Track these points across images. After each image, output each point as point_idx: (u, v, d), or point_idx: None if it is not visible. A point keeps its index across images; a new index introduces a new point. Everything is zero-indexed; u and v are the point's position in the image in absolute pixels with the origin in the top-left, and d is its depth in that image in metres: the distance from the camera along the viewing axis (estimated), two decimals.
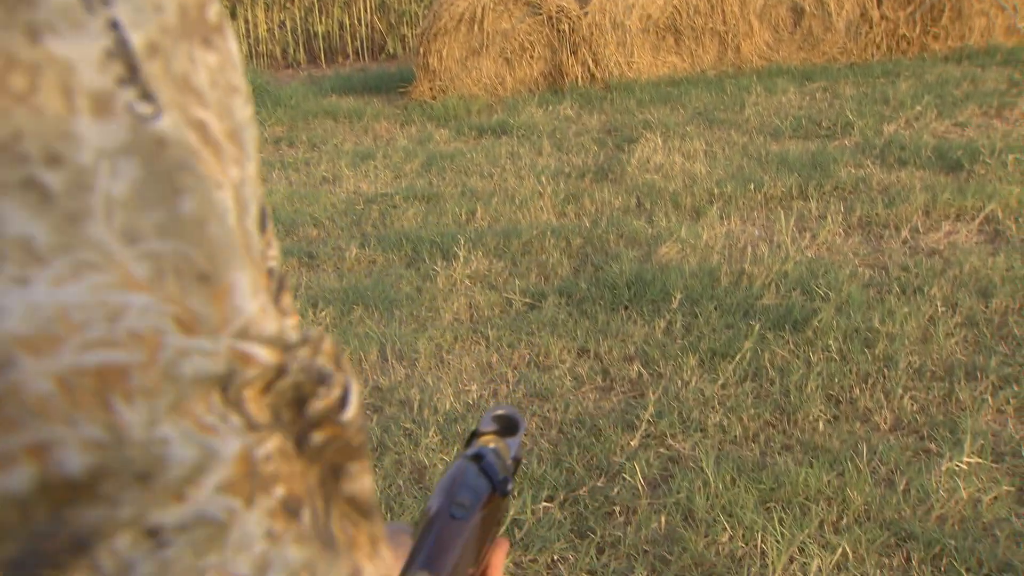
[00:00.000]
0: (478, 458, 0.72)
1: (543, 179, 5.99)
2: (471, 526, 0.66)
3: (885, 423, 3.13)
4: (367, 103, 9.16)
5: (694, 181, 5.71)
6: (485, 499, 0.69)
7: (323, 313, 4.20)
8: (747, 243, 4.72)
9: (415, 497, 2.87)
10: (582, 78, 9.05)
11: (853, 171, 5.69)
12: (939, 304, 3.87)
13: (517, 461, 0.79)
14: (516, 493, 2.84)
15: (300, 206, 5.87)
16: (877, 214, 4.96)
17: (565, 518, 2.72)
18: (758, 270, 4.26)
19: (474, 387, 3.51)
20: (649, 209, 5.32)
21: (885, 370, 3.41)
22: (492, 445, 0.74)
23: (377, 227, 5.42)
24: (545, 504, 2.78)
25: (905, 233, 4.70)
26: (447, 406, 3.38)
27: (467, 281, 4.49)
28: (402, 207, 5.71)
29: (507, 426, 0.79)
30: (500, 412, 0.80)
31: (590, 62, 9.04)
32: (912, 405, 3.21)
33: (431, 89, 9.14)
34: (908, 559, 2.51)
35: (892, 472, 2.87)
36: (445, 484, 0.69)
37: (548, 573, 2.53)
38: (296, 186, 6.46)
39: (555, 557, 2.58)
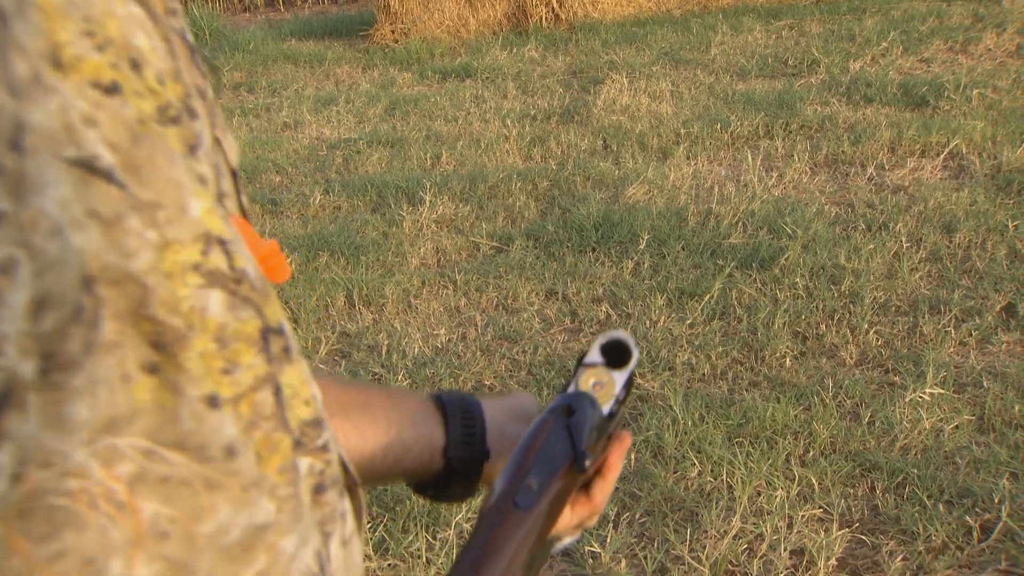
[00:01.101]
0: (569, 411, 0.65)
1: (508, 122, 5.97)
2: (536, 515, 0.59)
3: (851, 358, 3.19)
4: (328, 47, 9.05)
5: (660, 122, 5.72)
6: (562, 471, 0.62)
7: (288, 260, 4.18)
8: (714, 183, 4.75)
9: None
10: (546, 19, 8.98)
11: (819, 109, 5.72)
12: (904, 240, 3.93)
13: (628, 391, 0.71)
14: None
15: (262, 152, 5.83)
16: (843, 152, 5.00)
17: None
18: (725, 210, 4.30)
19: (442, 331, 3.54)
20: (616, 151, 5.32)
21: (851, 306, 3.47)
22: (593, 383, 0.69)
23: (341, 173, 5.40)
24: None
25: (871, 170, 4.75)
26: (415, 350, 3.41)
27: (433, 226, 4.49)
28: (366, 152, 5.67)
29: (617, 355, 0.71)
30: (610, 339, 0.71)
31: (554, 3, 8.97)
32: (877, 340, 3.27)
33: (393, 32, 9.04)
34: (872, 488, 2.58)
35: (857, 405, 2.93)
36: (521, 451, 0.62)
37: None
38: (257, 132, 6.40)
39: None
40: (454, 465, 0.76)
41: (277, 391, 0.44)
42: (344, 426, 0.72)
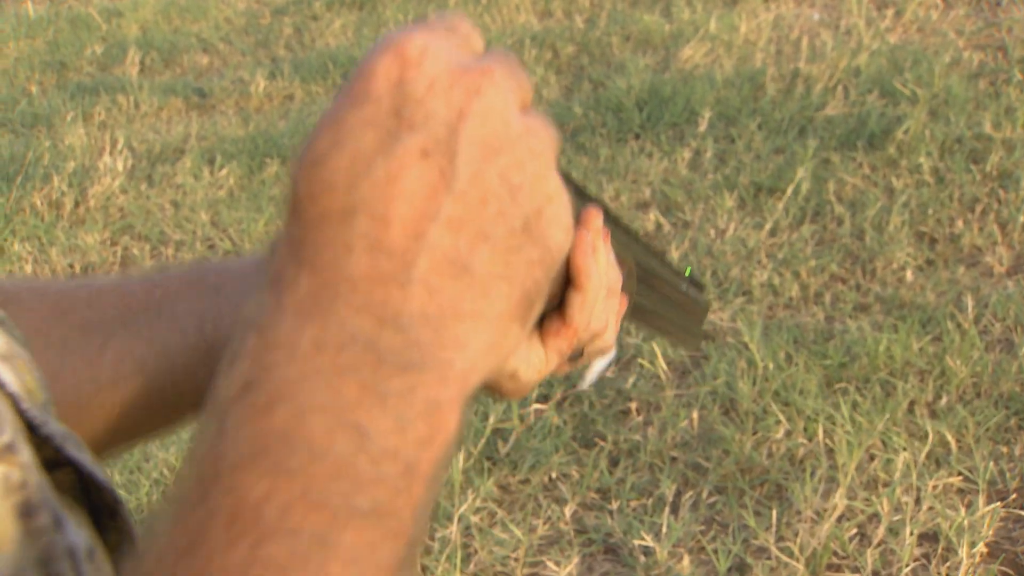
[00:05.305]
0: None
1: None
2: None
3: (1000, 265, 3.16)
4: None
5: None
6: None
7: (223, 172, 4.18)
8: (802, 33, 4.70)
9: None
10: None
11: None
12: None
13: None
14: None
15: (180, 24, 5.83)
16: None
17: (565, 422, 2.75)
18: (818, 69, 4.26)
19: None
20: None
21: (1000, 192, 3.44)
22: None
23: (292, 48, 5.40)
24: (537, 406, 2.81)
25: None
26: None
27: None
28: (325, 18, 5.68)
29: None
30: None
31: None
32: None
33: None
34: None
35: (1010, 330, 2.90)
36: None
37: (546, 496, 2.56)
38: None
39: (553, 475, 2.61)
40: None
41: None
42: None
